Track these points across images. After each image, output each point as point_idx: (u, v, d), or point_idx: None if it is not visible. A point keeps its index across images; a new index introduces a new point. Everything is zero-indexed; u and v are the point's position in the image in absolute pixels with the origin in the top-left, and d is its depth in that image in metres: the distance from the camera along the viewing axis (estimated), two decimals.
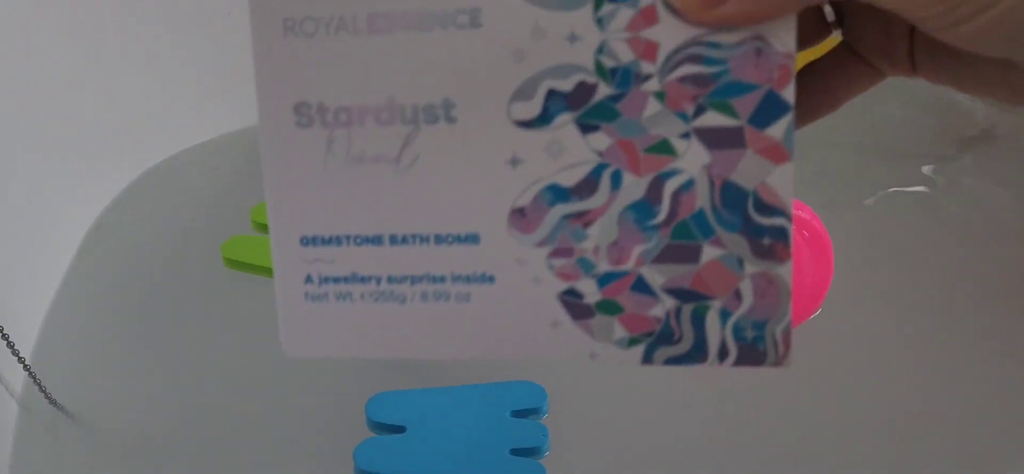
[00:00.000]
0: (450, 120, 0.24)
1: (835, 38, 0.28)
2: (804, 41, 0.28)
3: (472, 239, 0.25)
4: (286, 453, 0.45)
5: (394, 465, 0.42)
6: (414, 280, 0.26)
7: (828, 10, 0.27)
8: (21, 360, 0.47)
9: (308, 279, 0.26)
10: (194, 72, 0.71)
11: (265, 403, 0.48)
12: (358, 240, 0.26)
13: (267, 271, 0.56)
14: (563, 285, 0.25)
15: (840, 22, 0.27)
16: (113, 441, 0.47)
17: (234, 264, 0.57)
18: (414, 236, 0.25)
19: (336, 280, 0.26)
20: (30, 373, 0.48)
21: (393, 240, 0.25)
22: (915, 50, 0.26)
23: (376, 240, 0.25)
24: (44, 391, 0.48)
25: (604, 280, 0.25)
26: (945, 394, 0.46)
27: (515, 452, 0.42)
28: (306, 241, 0.26)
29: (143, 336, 0.54)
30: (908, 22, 0.25)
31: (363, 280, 0.26)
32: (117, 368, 0.52)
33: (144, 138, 0.69)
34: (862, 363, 0.48)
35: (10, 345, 0.46)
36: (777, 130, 0.23)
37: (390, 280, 0.26)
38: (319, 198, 0.25)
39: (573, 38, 0.23)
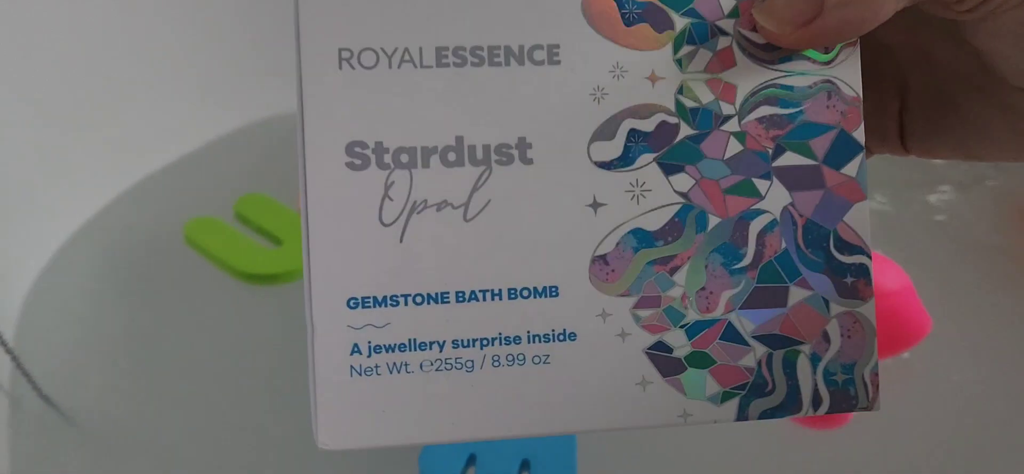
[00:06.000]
0: (526, 161, 0.22)
1: None
2: None
3: (551, 292, 0.22)
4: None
5: None
6: (484, 343, 0.22)
7: None
8: (10, 352, 0.48)
9: (355, 349, 0.22)
10: (192, 75, 0.71)
11: (258, 401, 0.49)
12: (418, 299, 0.22)
13: (220, 262, 0.59)
14: (651, 338, 0.23)
15: None
16: (107, 438, 0.48)
17: (193, 245, 0.60)
18: (484, 292, 0.22)
19: (390, 348, 0.22)
20: (19, 365, 0.48)
21: (459, 297, 0.22)
22: (905, 127, 0.28)
23: (440, 298, 0.22)
24: (33, 384, 0.48)
25: (693, 330, 0.23)
26: None
27: None
28: (355, 302, 0.22)
29: (132, 335, 0.55)
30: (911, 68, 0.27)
31: (423, 346, 0.22)
32: (107, 365, 0.53)
33: (142, 138, 0.69)
34: None
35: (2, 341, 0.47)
36: (851, 168, 0.24)
37: (455, 345, 0.22)
38: (373, 251, 0.22)
39: (654, 78, 0.23)
